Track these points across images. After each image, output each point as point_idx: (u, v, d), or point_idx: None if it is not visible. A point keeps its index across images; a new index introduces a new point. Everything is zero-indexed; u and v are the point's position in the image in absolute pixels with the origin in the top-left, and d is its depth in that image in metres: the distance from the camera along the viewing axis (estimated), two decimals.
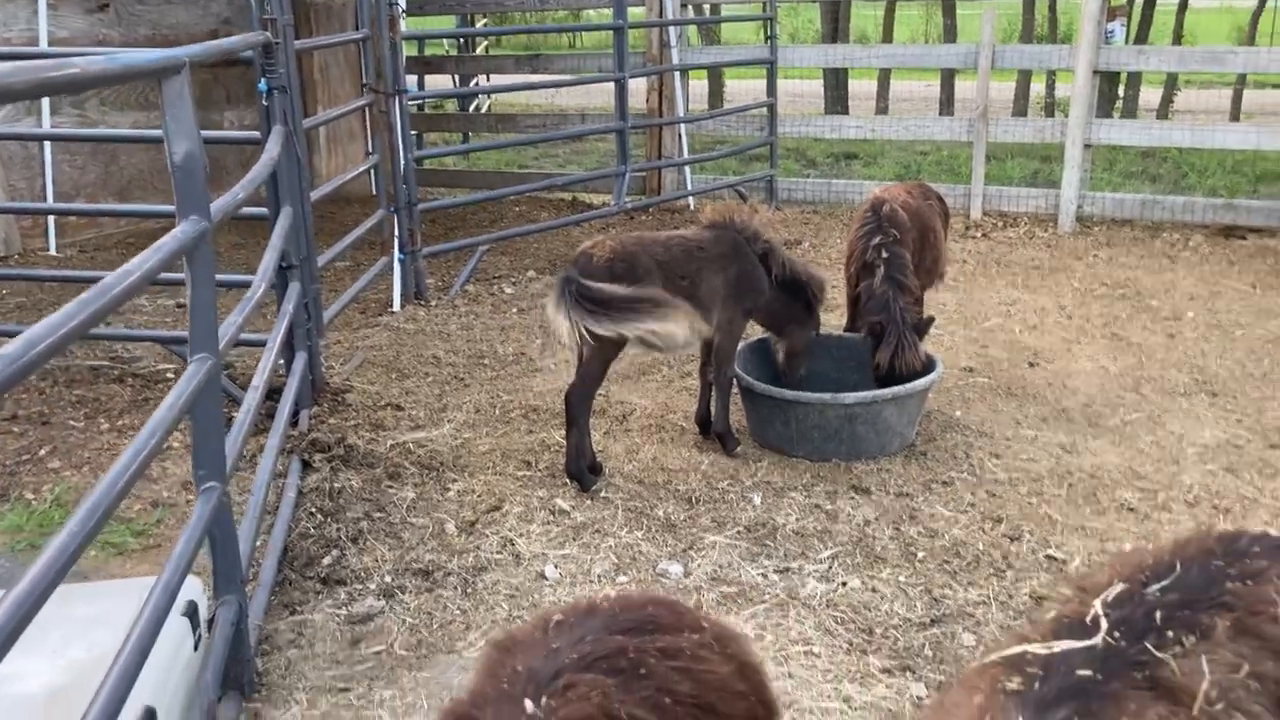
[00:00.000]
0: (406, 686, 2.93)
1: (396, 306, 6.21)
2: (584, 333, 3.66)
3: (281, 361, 4.48)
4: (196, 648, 2.62)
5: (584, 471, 4.03)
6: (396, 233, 6.15)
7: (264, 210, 4.44)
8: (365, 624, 3.24)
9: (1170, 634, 1.18)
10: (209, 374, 2.55)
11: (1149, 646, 1.15)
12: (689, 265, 4.04)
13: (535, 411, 4.78)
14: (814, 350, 4.61)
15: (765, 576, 3.43)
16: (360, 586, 3.42)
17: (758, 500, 3.94)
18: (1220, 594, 1.25)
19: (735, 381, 4.35)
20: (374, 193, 7.34)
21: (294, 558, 3.53)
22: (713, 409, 4.39)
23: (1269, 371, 5.16)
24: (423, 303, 6.33)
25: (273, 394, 4.16)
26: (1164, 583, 1.27)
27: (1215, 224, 7.82)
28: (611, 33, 7.40)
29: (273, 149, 4.08)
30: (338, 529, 3.70)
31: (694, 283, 4.02)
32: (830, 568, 3.48)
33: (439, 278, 6.85)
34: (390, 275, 6.27)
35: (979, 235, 7.94)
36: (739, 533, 3.71)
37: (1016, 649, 1.20)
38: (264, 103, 4.38)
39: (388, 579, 3.46)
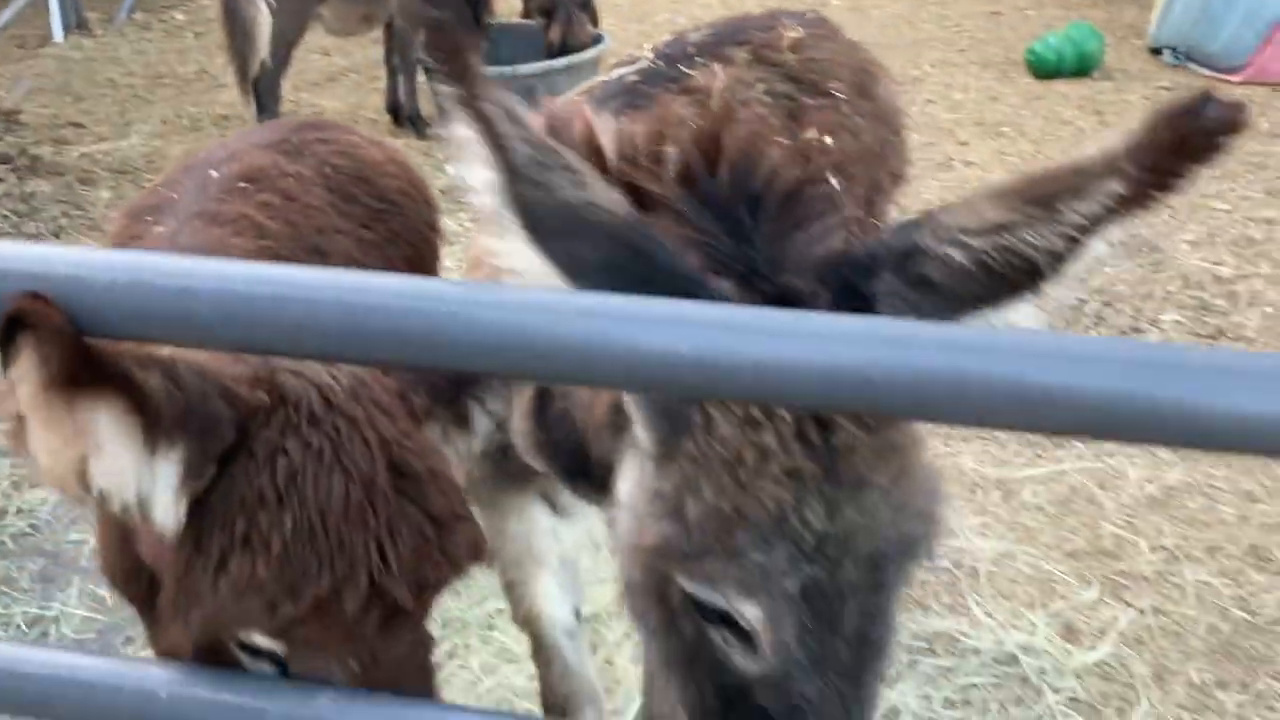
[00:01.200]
0: None
1: (59, 38, 5.89)
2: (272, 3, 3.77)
3: None
4: None
5: None
6: None
7: None
8: None
9: (699, 60, 1.63)
10: None
11: (680, 67, 1.61)
12: None
13: (225, 120, 4.83)
14: (495, 41, 4.87)
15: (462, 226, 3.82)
16: None
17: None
18: (743, 37, 1.72)
19: (420, 66, 4.57)
20: None
21: None
22: (402, 97, 4.62)
23: None
24: (87, 33, 6.04)
25: None
26: (701, 33, 1.73)
27: None
28: None
29: None
30: (36, 226, 3.76)
31: None
32: None
33: (101, 11, 6.50)
34: (44, 8, 5.92)
35: None
36: None
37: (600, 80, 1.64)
38: None
39: None
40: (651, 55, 1.65)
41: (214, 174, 1.58)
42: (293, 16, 3.97)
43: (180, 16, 6.46)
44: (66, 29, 5.95)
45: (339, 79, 5.38)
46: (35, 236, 3.69)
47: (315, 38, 4.74)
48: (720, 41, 1.70)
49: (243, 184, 1.56)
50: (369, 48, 5.13)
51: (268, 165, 1.62)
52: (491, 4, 4.72)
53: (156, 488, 0.88)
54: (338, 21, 4.24)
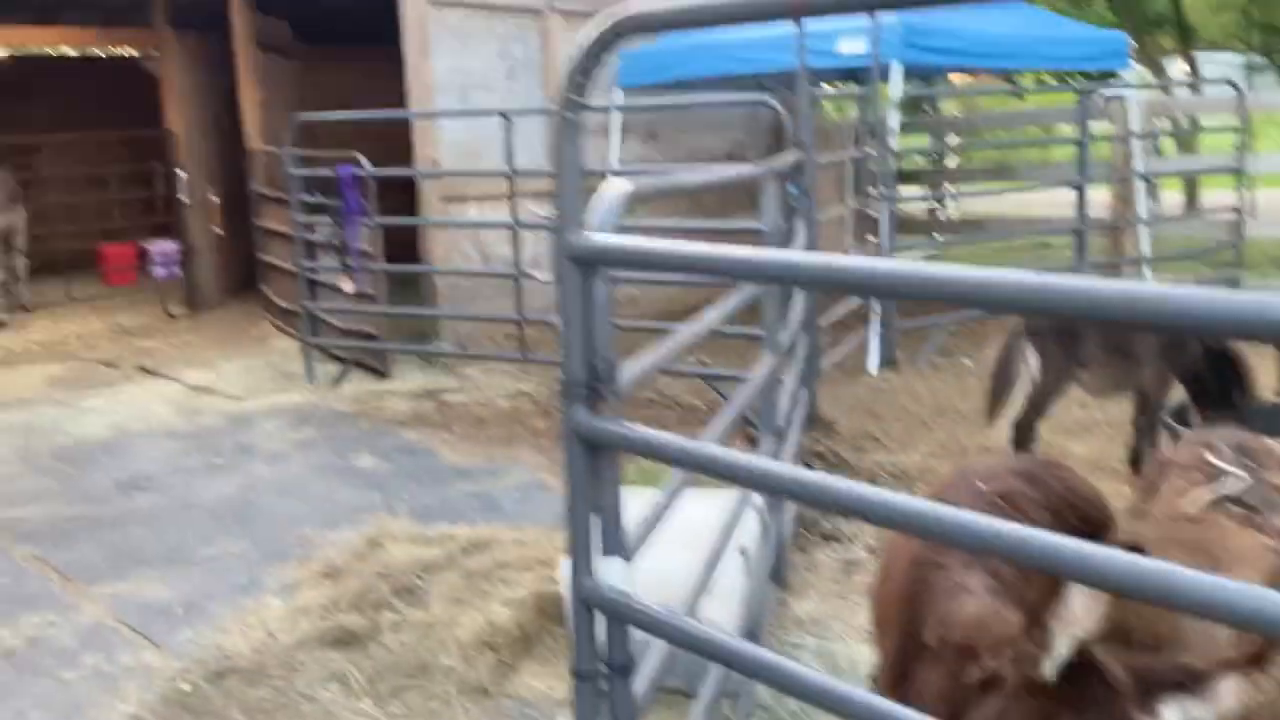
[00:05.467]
0: None
1: (872, 370, 7.54)
2: (1037, 364, 4.73)
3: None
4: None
5: None
6: (877, 309, 7.52)
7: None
8: (854, 565, 4.51)
9: None
10: (768, 380, 4.00)
11: None
12: None
13: (989, 450, 5.83)
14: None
15: None
16: (850, 544, 4.71)
17: None
18: None
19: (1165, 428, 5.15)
20: None
21: (805, 521, 4.90)
22: (1143, 453, 5.21)
23: None
24: (894, 368, 7.61)
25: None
26: None
27: None
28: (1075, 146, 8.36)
29: (801, 238, 5.60)
30: None
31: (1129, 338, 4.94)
32: None
33: (907, 350, 8.10)
34: (867, 344, 7.64)
35: None
36: None
37: None
38: (791, 204, 5.94)
39: (871, 542, 4.71)
40: None
41: (981, 487, 2.46)
42: (1055, 376, 4.88)
43: (967, 362, 7.80)
44: (879, 365, 7.58)
45: (1091, 429, 6.12)
46: (827, 516, 4.95)
47: (1076, 393, 5.58)
48: None
49: (998, 500, 2.41)
50: (1123, 405, 5.82)
51: (1014, 488, 2.46)
52: (1250, 383, 5.09)
53: None
54: (1095, 385, 5.05)
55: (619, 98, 9.44)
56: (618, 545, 2.19)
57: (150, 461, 6.44)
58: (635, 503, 2.32)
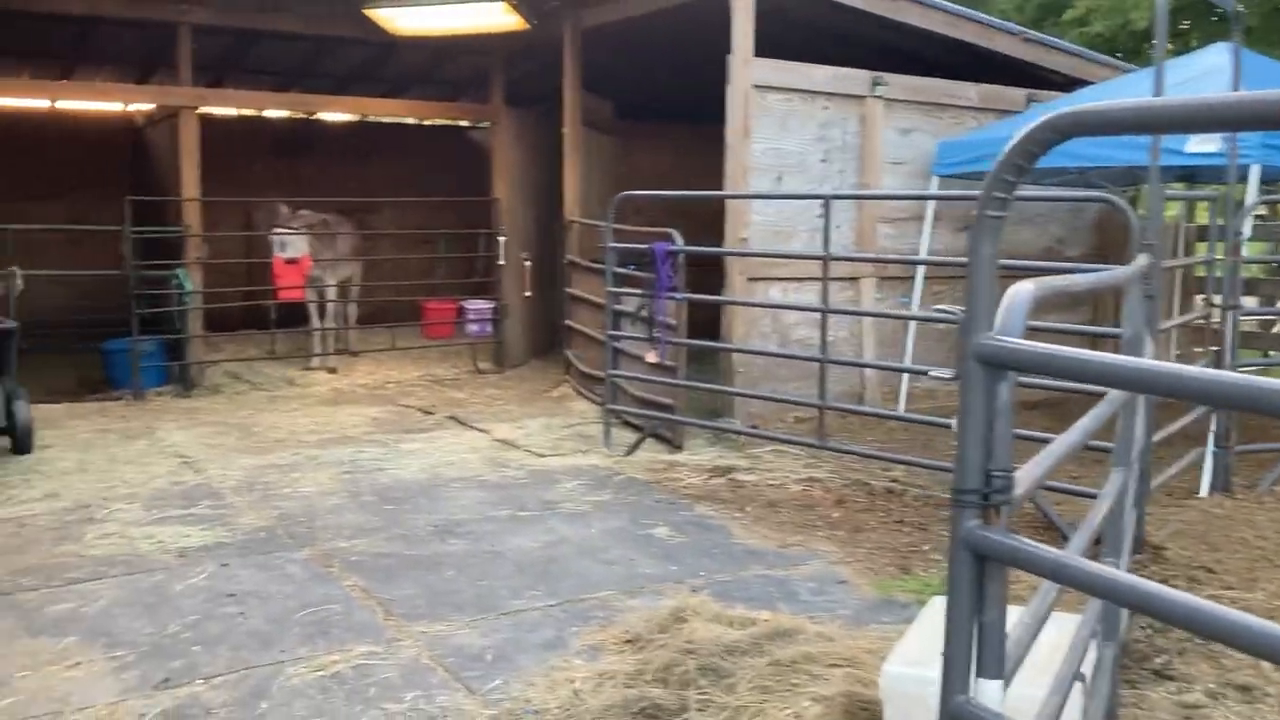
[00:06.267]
0: None
1: (1204, 493, 6.91)
2: None
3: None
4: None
5: None
6: (1214, 428, 6.90)
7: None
8: (1195, 710, 4.08)
9: None
10: (1118, 497, 3.71)
11: None
12: None
13: None
14: None
15: None
16: (1189, 686, 4.27)
17: None
18: None
19: None
20: None
21: (1131, 653, 4.49)
22: None
23: None
24: (1229, 494, 6.94)
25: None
26: None
27: None
28: None
29: (1149, 345, 5.23)
30: (1164, 642, 4.59)
31: None
32: None
33: (1244, 477, 7.38)
34: (1202, 465, 7.01)
35: None
36: None
37: None
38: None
39: (1210, 685, 4.25)
40: None
41: None
42: None
43: None
44: (1212, 488, 6.93)
45: None
46: (1161, 649, 4.51)
47: None
48: None
49: None
50: None
51: None
52: None
53: None
54: None
55: (934, 185, 9.28)
56: (996, 666, 2.06)
57: (461, 508, 6.78)
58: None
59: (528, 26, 10.75)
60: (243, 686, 4.23)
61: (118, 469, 7.70)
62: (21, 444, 8.08)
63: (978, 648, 2.05)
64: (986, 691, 2.04)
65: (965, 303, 2.02)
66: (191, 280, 10.95)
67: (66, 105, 14.55)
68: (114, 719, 3.97)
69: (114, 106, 14.71)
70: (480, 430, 9.13)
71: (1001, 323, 1.98)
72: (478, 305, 13.72)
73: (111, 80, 13.91)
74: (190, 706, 4.06)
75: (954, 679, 2.06)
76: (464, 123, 16.72)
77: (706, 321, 9.39)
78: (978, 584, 2.03)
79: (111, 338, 11.15)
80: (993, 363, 1.96)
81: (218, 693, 4.17)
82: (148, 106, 13.92)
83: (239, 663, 4.44)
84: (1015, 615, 2.42)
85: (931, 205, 9.41)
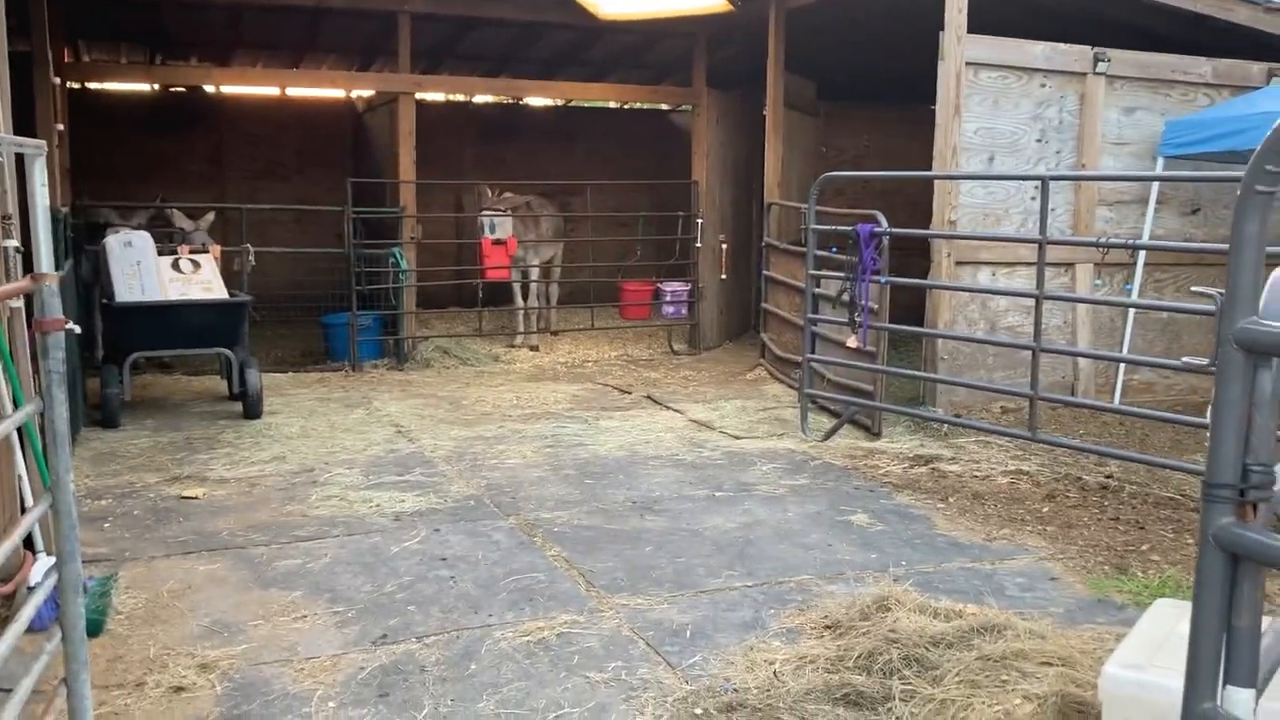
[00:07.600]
0: None
1: None
2: None
3: None
4: None
5: None
6: None
7: None
8: None
9: None
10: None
11: None
12: None
13: None
14: None
15: None
16: None
17: None
18: None
19: None
20: None
21: None
22: None
23: None
24: None
25: None
26: None
27: None
28: None
29: None
30: None
31: None
32: None
33: None
34: None
35: None
36: None
37: None
38: None
39: None
40: None
41: None
42: None
43: None
44: None
45: None
46: None
47: None
48: None
49: None
50: None
51: None
52: None
53: None
54: None
55: (1160, 166, 8.74)
56: (1248, 673, 1.92)
57: (658, 485, 6.86)
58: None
59: (731, 8, 10.70)
60: (454, 647, 4.41)
61: (337, 436, 8.16)
62: (252, 409, 8.67)
63: (1227, 652, 1.92)
64: (1237, 700, 1.91)
65: (1224, 285, 1.89)
66: (406, 259, 11.46)
67: (294, 93, 15.47)
68: (337, 669, 4.22)
69: (337, 93, 15.54)
70: (675, 410, 9.21)
71: (1266, 306, 1.84)
72: (674, 287, 13.83)
73: (336, 68, 14.71)
74: (405, 663, 4.27)
75: (1201, 684, 1.93)
76: (664, 106, 16.85)
77: (907, 306, 9.16)
78: (1229, 584, 1.90)
79: (331, 312, 11.80)
80: (1255, 349, 1.82)
81: (430, 651, 4.37)
82: (368, 93, 14.65)
83: (450, 624, 4.64)
84: (1266, 622, 2.26)
85: (1155, 187, 8.86)
